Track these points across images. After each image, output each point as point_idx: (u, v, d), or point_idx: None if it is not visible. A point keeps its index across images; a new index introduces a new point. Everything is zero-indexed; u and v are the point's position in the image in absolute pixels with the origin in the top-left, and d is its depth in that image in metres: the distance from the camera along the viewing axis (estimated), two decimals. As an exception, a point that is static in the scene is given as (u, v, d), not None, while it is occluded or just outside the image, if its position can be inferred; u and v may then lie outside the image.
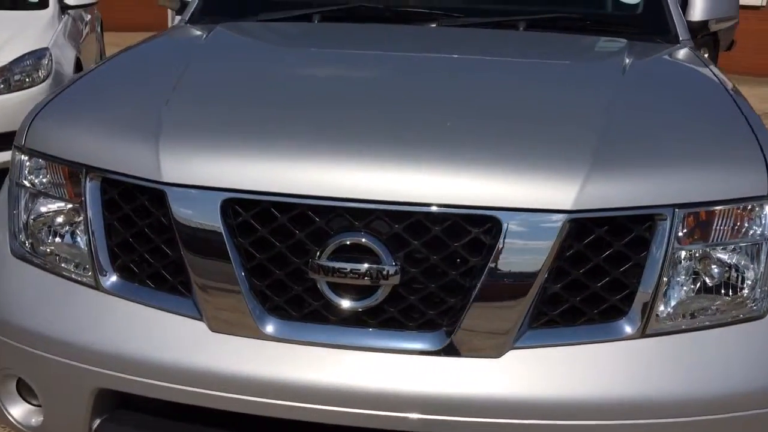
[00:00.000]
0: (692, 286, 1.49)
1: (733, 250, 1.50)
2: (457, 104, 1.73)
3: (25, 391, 1.74)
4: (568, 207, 1.40)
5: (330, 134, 1.54)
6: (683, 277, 1.48)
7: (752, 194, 1.49)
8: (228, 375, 1.48)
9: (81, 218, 1.64)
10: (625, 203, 1.42)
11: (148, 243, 1.58)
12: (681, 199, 1.45)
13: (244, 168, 1.48)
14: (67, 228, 1.67)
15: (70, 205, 1.66)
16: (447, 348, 1.44)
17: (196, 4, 2.73)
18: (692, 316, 1.48)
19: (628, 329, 1.45)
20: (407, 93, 1.81)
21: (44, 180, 1.69)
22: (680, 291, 1.48)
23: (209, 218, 1.48)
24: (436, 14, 2.48)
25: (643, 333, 1.45)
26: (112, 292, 1.59)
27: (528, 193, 1.41)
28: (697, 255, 1.48)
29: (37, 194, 1.70)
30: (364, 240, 1.43)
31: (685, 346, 1.46)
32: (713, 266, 1.49)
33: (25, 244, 1.70)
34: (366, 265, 1.42)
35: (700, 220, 1.47)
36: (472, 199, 1.42)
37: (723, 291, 1.49)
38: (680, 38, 2.44)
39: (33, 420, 1.70)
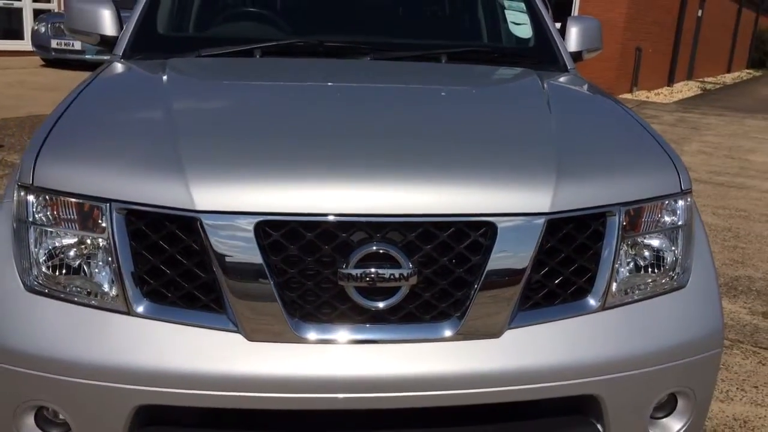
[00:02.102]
0: (633, 267, 1.89)
1: (660, 236, 1.92)
2: (430, 128, 2.03)
3: (42, 422, 1.80)
4: (546, 210, 1.74)
5: (345, 160, 1.78)
6: (627, 260, 1.88)
7: (670, 191, 1.93)
8: (269, 377, 1.67)
9: (102, 249, 1.74)
10: (587, 204, 1.80)
11: (177, 267, 1.72)
12: (624, 198, 1.85)
13: (275, 193, 1.68)
14: (89, 260, 1.76)
15: (91, 238, 1.75)
16: (458, 334, 1.73)
17: (127, 41, 2.81)
18: (636, 290, 1.88)
19: (593, 304, 1.82)
20: (387, 120, 2.08)
21: (59, 216, 1.77)
22: (626, 271, 1.88)
23: (244, 240, 1.66)
24: (366, 49, 2.77)
25: (603, 306, 1.83)
26: (145, 315, 1.72)
27: (515, 201, 1.74)
28: (635, 242, 1.89)
29: (51, 230, 1.77)
30: (386, 249, 1.68)
31: (634, 313, 1.86)
32: (647, 251, 1.91)
33: (39, 278, 1.77)
34: (390, 270, 1.68)
35: (635, 214, 1.88)
36: (471, 208, 1.72)
37: (655, 269, 1.91)
38: (568, 67, 2.92)
39: None
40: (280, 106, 2.17)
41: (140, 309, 1.72)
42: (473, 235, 1.72)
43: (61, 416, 1.81)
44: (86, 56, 15.10)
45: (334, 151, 1.81)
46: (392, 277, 1.68)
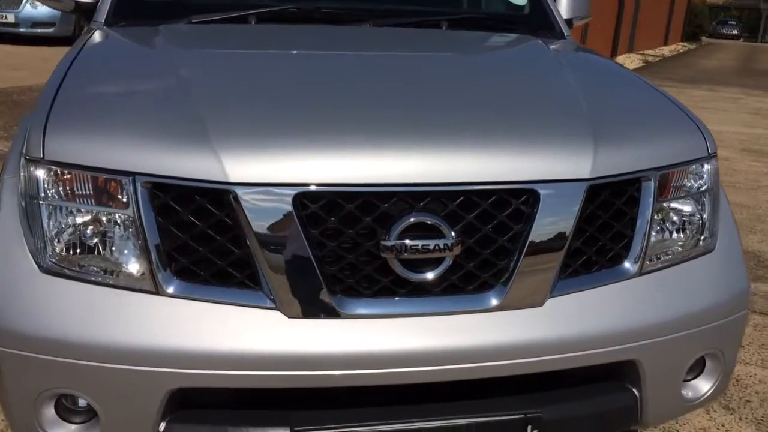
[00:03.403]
0: (667, 232, 1.89)
1: (689, 200, 1.92)
2: (459, 95, 1.97)
3: (62, 412, 1.69)
4: (587, 176, 1.71)
5: (383, 128, 1.70)
6: (660, 225, 1.87)
7: (699, 155, 1.93)
8: (312, 355, 1.60)
9: (125, 226, 1.63)
10: (624, 169, 1.77)
11: (209, 243, 1.62)
12: (658, 163, 1.83)
13: (314, 164, 1.60)
14: (110, 238, 1.65)
15: (112, 215, 1.64)
16: (501, 304, 1.69)
17: (108, 7, 2.65)
18: (669, 255, 1.88)
19: (631, 270, 1.81)
20: (413, 88, 2.01)
21: (75, 192, 1.65)
22: (660, 236, 1.87)
23: (283, 213, 1.58)
24: (363, 15, 2.68)
25: (640, 272, 1.82)
26: (176, 294, 1.62)
27: (558, 167, 1.70)
28: (668, 207, 1.89)
29: (66, 207, 1.65)
30: (429, 220, 1.62)
31: (668, 278, 1.86)
32: (678, 215, 1.91)
33: (56, 258, 1.65)
34: (435, 241, 1.62)
35: (668, 179, 1.87)
36: (514, 176, 1.68)
37: (686, 234, 1.91)
38: (565, 34, 2.90)
39: None
40: (296, 75, 2.07)
41: (170, 288, 1.62)
42: (515, 202, 1.68)
43: (80, 403, 1.70)
44: (20, 29, 14.40)
45: (371, 120, 1.74)
46: (437, 247, 1.62)
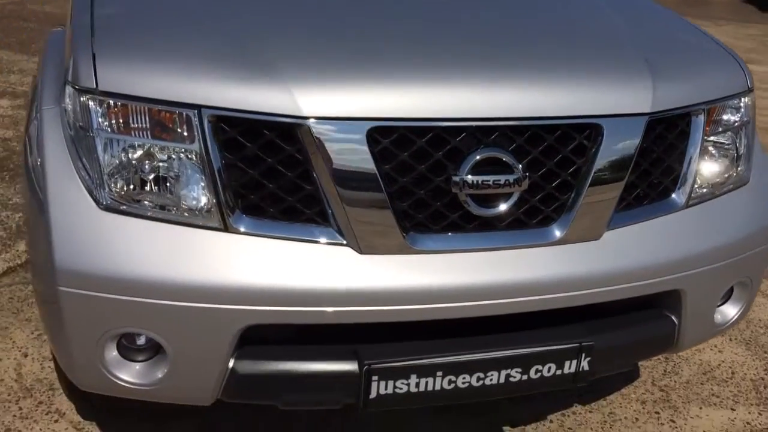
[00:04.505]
0: (710, 165, 1.94)
1: (730, 134, 1.97)
2: (520, 29, 1.95)
3: (124, 351, 1.66)
4: (648, 110, 1.73)
5: (454, 62, 1.67)
6: (705, 159, 1.92)
7: (741, 89, 1.97)
8: (385, 290, 1.61)
9: (191, 161, 1.57)
10: (680, 103, 1.80)
11: (277, 178, 1.58)
12: (707, 97, 1.87)
13: (388, 98, 1.56)
14: (174, 173, 1.59)
15: (176, 150, 1.57)
16: (564, 237, 1.72)
17: None
18: (712, 187, 1.94)
19: (679, 203, 1.86)
20: (476, 20, 1.96)
21: (134, 125, 1.57)
22: (704, 170, 1.92)
23: (356, 147, 1.55)
24: None
25: (687, 204, 1.88)
26: (244, 231, 1.59)
27: (621, 101, 1.71)
28: (713, 140, 1.93)
29: (125, 141, 1.57)
30: (499, 154, 1.62)
31: (711, 210, 1.92)
32: (721, 148, 1.96)
33: (115, 195, 1.58)
34: (505, 176, 1.62)
35: (714, 113, 1.91)
36: (579, 110, 1.68)
37: (726, 166, 1.97)
38: None
39: (154, 375, 1.64)
40: (363, 6, 1.97)
41: (239, 225, 1.58)
42: (579, 137, 1.69)
43: (139, 342, 1.67)
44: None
45: (442, 54, 1.70)
46: (507, 182, 1.63)
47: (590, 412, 2.50)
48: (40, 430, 2.24)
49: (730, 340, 2.97)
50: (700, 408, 2.55)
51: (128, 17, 1.76)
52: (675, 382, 2.68)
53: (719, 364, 2.80)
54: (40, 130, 1.68)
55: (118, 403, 2.04)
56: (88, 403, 2.18)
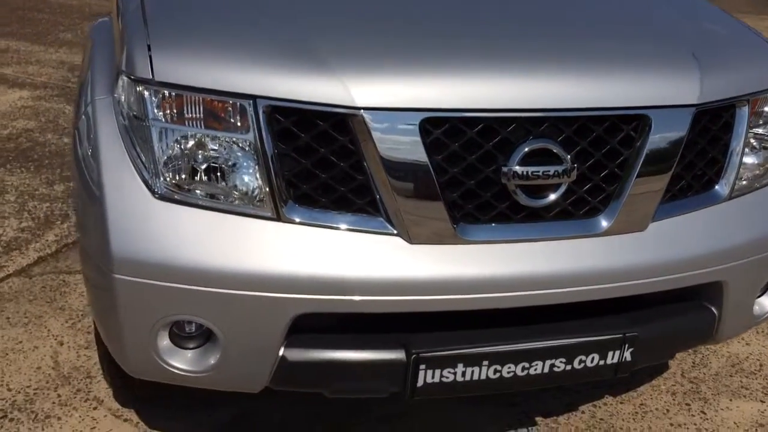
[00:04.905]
0: (752, 157, 1.95)
1: None
2: (567, 18, 1.95)
3: (176, 338, 1.68)
4: (695, 101, 1.74)
5: (504, 53, 1.68)
6: (748, 150, 1.93)
7: None
8: (436, 279, 1.62)
9: (245, 151, 1.59)
10: (726, 95, 1.81)
11: (329, 168, 1.60)
12: (751, 89, 1.87)
13: (440, 88, 1.57)
14: (228, 163, 1.60)
15: (231, 139, 1.59)
16: (610, 229, 1.73)
17: None
18: (754, 179, 1.95)
19: (723, 194, 1.87)
20: (523, 9, 1.97)
21: (190, 115, 1.58)
22: (747, 162, 1.93)
23: (409, 138, 1.56)
24: None
25: (730, 196, 1.89)
26: (296, 220, 1.60)
27: (669, 93, 1.72)
28: (754, 132, 1.94)
29: (181, 130, 1.59)
30: (548, 145, 1.63)
31: (753, 201, 1.93)
32: (761, 140, 1.97)
33: (170, 184, 1.60)
34: (554, 167, 1.64)
35: (756, 104, 1.92)
36: (627, 101, 1.69)
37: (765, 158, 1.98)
38: None
39: (206, 362, 1.66)
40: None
41: (291, 214, 1.60)
42: (627, 128, 1.70)
43: (188, 329, 1.69)
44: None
45: (494, 45, 1.71)
46: (556, 173, 1.64)
47: (621, 403, 2.52)
48: (80, 416, 2.26)
49: (758, 332, 2.97)
50: (730, 400, 2.56)
51: (179, 6, 1.77)
52: (704, 374, 2.69)
53: (747, 357, 2.82)
54: (93, 120, 1.70)
55: (160, 392, 2.07)
56: (129, 391, 2.20)
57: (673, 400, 2.55)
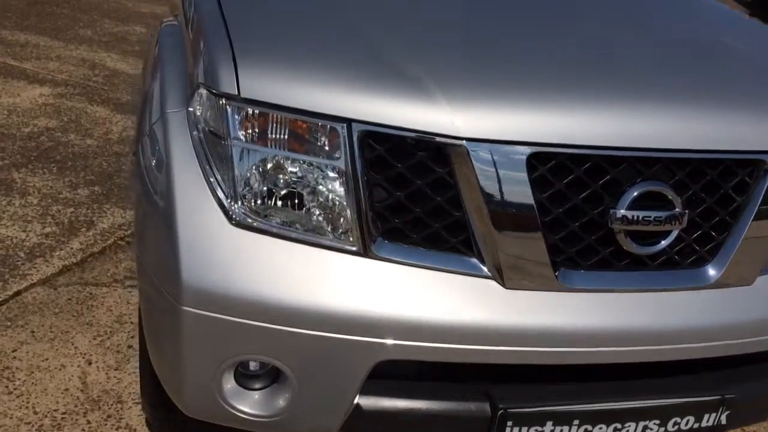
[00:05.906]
0: None
1: None
2: (685, 58, 1.81)
3: (241, 379, 1.53)
4: None
5: (615, 87, 1.55)
6: None
7: None
8: (532, 329, 1.48)
9: (333, 178, 1.44)
10: None
11: (424, 202, 1.46)
12: None
13: (552, 121, 1.44)
14: (315, 190, 1.46)
15: (319, 165, 1.44)
16: (718, 281, 1.59)
17: None
18: None
19: None
20: (626, 42, 1.83)
21: (276, 136, 1.44)
22: None
23: (516, 174, 1.42)
24: None
25: None
26: (386, 257, 1.46)
27: None
28: None
29: (265, 153, 1.44)
30: (662, 189, 1.49)
31: None
32: None
33: (250, 211, 1.45)
34: (666, 213, 1.50)
35: None
36: (744, 144, 1.56)
37: None
38: None
39: (275, 405, 1.50)
40: (515, 22, 1.85)
41: (379, 250, 1.45)
42: (741, 173, 1.57)
43: (252, 367, 1.54)
44: None
45: (605, 79, 1.57)
46: (668, 219, 1.50)
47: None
48: (111, 446, 2.11)
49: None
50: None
51: (263, 17, 1.63)
52: None
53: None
54: (164, 134, 1.55)
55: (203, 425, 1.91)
56: (170, 423, 2.04)
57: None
